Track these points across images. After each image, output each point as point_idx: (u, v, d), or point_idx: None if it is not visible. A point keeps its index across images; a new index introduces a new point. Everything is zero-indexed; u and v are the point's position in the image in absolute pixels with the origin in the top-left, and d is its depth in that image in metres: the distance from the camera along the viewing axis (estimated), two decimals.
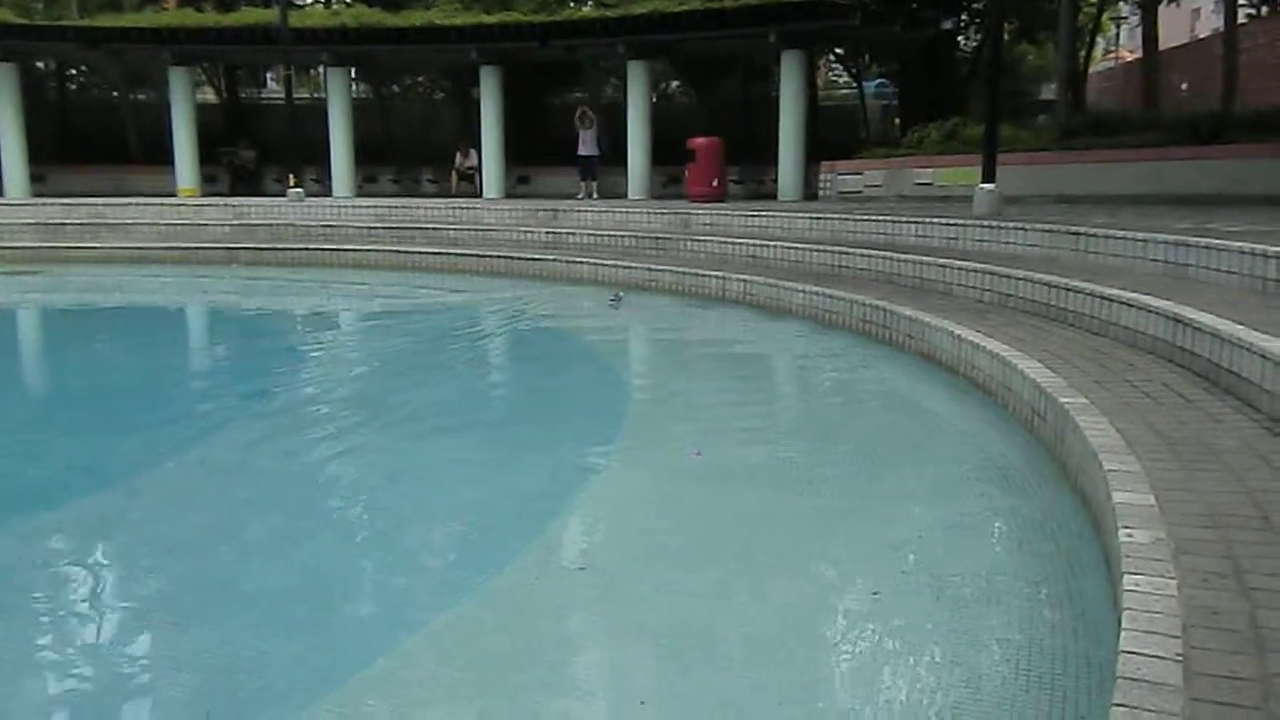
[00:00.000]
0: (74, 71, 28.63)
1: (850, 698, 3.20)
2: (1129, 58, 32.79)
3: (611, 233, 15.28)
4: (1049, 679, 3.13)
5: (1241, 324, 5.32)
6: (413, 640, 3.63)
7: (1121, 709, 2.19)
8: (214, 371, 9.69)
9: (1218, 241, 7.43)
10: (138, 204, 18.88)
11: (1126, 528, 3.28)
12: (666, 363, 9.50)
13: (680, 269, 12.49)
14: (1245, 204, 12.33)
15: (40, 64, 26.37)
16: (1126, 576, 2.92)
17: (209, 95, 28.31)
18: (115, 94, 27.44)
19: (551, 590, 4.04)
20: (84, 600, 4.10)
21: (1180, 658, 2.41)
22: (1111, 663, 2.50)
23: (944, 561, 4.13)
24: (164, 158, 21.85)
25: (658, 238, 14.45)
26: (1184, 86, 24.09)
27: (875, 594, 3.91)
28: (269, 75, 29.93)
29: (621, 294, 12.07)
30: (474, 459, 6.10)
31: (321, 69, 22.85)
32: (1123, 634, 2.56)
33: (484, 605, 3.92)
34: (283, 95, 20.86)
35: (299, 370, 9.23)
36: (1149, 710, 2.18)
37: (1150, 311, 6.34)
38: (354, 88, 24.45)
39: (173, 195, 20.70)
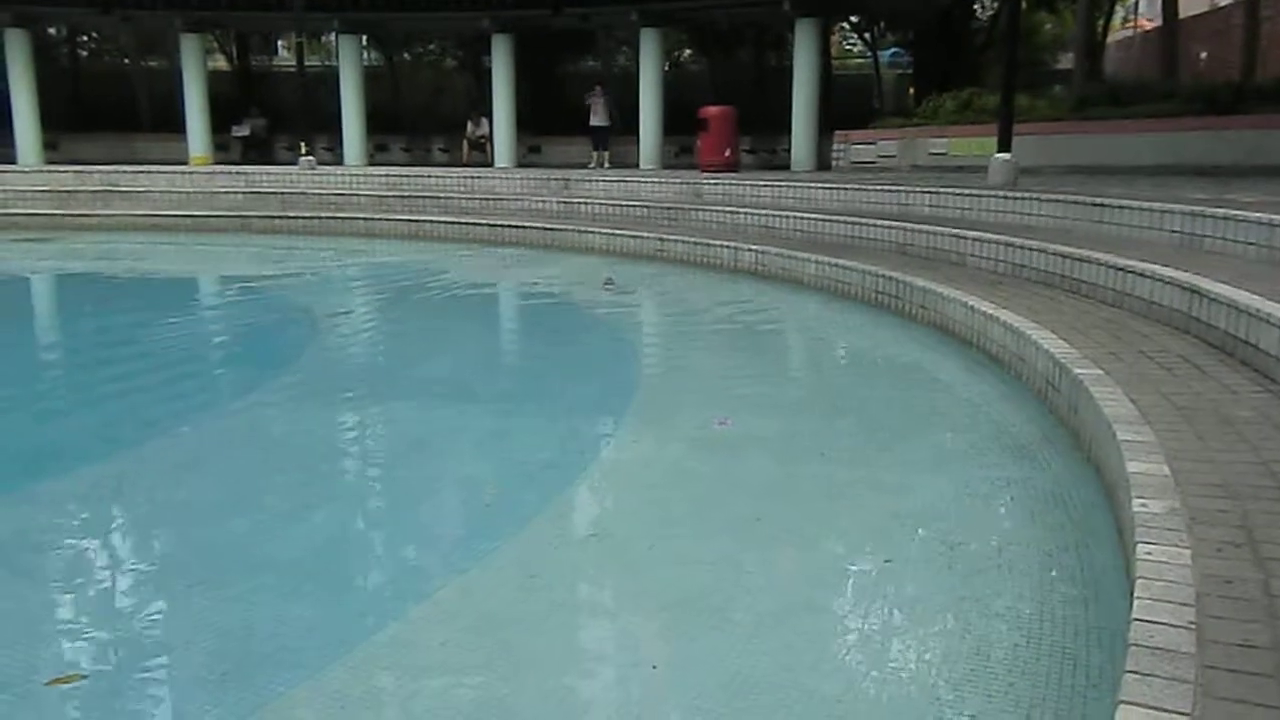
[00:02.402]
0: (85, 38, 28.61)
1: (860, 665, 3.20)
2: (1148, 27, 32.37)
3: (623, 202, 15.22)
4: (1060, 647, 3.13)
5: (1258, 295, 5.28)
6: (424, 607, 3.65)
7: (1134, 675, 2.19)
8: (230, 340, 9.72)
9: (1235, 212, 7.36)
10: (150, 172, 18.90)
11: (1140, 498, 3.27)
12: (677, 333, 9.48)
13: (692, 239, 12.44)
14: (1263, 175, 12.21)
15: (52, 30, 26.33)
16: (1140, 546, 2.91)
17: (220, 62, 28.25)
18: (127, 61, 27.41)
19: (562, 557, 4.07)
20: (100, 563, 4.16)
21: (1193, 625, 2.41)
22: (1123, 632, 2.50)
23: (956, 531, 4.13)
24: (176, 125, 21.84)
25: (670, 208, 14.40)
26: (1203, 56, 23.78)
27: (887, 562, 3.91)
28: (280, 42, 29.82)
29: (614, 278, 11.39)
30: (485, 427, 6.13)
31: (333, 36, 22.77)
32: (1136, 602, 2.56)
33: (494, 572, 3.94)
34: (294, 63, 20.78)
35: (309, 339, 9.25)
36: (1161, 676, 2.18)
37: (1166, 282, 6.29)
38: (366, 55, 24.36)
39: (184, 163, 20.70)
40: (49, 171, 19.40)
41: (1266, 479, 3.47)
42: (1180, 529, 3.01)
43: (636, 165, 19.55)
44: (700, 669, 3.13)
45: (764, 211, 12.96)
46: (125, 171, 18.88)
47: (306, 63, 23.30)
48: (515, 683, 3.07)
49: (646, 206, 14.76)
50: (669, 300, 11.04)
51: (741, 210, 13.31)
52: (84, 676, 3.14)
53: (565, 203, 15.89)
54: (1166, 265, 6.57)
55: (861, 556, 4.10)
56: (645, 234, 13.21)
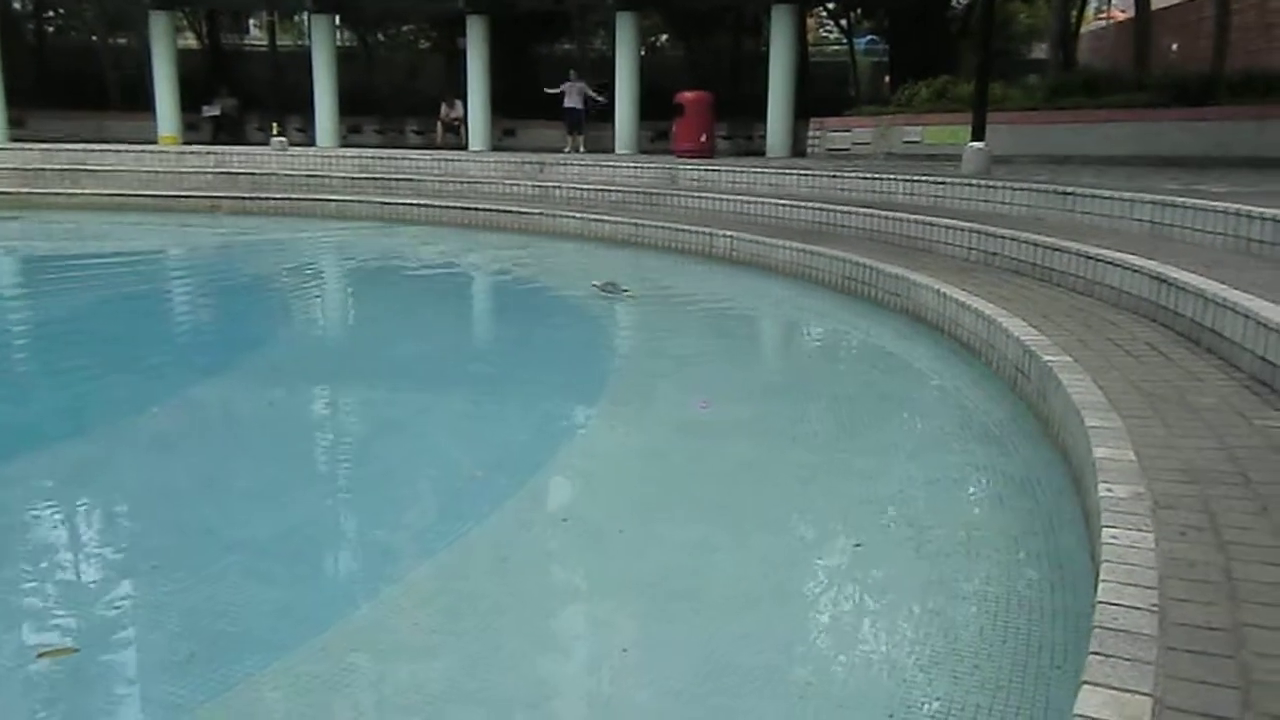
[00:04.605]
0: (51, 13, 28.10)
1: (830, 647, 3.23)
2: (1121, 18, 32.59)
3: (598, 187, 15.18)
4: (1026, 630, 3.17)
5: (1224, 284, 5.34)
6: (396, 589, 3.64)
7: (1097, 657, 2.22)
8: (198, 322, 9.62)
9: (1203, 202, 7.44)
10: (118, 150, 18.62)
11: (1106, 483, 3.31)
12: (649, 318, 9.47)
13: (666, 224, 12.42)
14: (1232, 166, 12.35)
15: (16, 4, 25.85)
16: (1105, 530, 2.94)
17: (190, 41, 27.86)
18: (94, 37, 26.96)
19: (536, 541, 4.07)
20: (66, 544, 4.11)
21: (1156, 608, 2.44)
22: (1088, 615, 2.53)
23: (925, 516, 4.17)
24: (145, 104, 21.53)
25: (645, 193, 14.36)
26: (1174, 48, 23.98)
27: (857, 546, 3.94)
28: (251, 21, 29.44)
29: (600, 283, 9.67)
30: (460, 411, 6.11)
31: (305, 15, 22.48)
32: (1100, 585, 2.59)
33: (467, 555, 3.93)
34: (265, 42, 20.52)
35: (282, 323, 9.18)
36: (1124, 658, 2.21)
37: (1135, 271, 6.35)
38: (338, 35, 24.10)
39: (154, 142, 20.42)
40: (15, 149, 19.06)
41: (1229, 464, 3.52)
42: (1144, 513, 3.05)
43: (612, 150, 19.48)
44: (672, 652, 3.14)
45: (738, 197, 12.96)
46: (93, 150, 18.59)
47: (278, 42, 23.04)
48: (487, 665, 3.07)
49: (621, 191, 14.72)
50: (641, 285, 11.01)
51: (716, 196, 13.31)
52: (75, 650, 3.15)
53: (539, 187, 15.82)
54: (1136, 254, 6.63)
55: (832, 541, 4.12)
56: (620, 219, 13.18)
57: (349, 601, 3.52)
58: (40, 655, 3.10)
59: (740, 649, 3.12)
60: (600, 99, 20.24)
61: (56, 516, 4.41)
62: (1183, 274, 5.77)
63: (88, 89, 24.26)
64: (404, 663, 3.08)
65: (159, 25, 20.98)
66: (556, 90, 20.08)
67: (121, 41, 26.48)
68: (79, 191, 17.00)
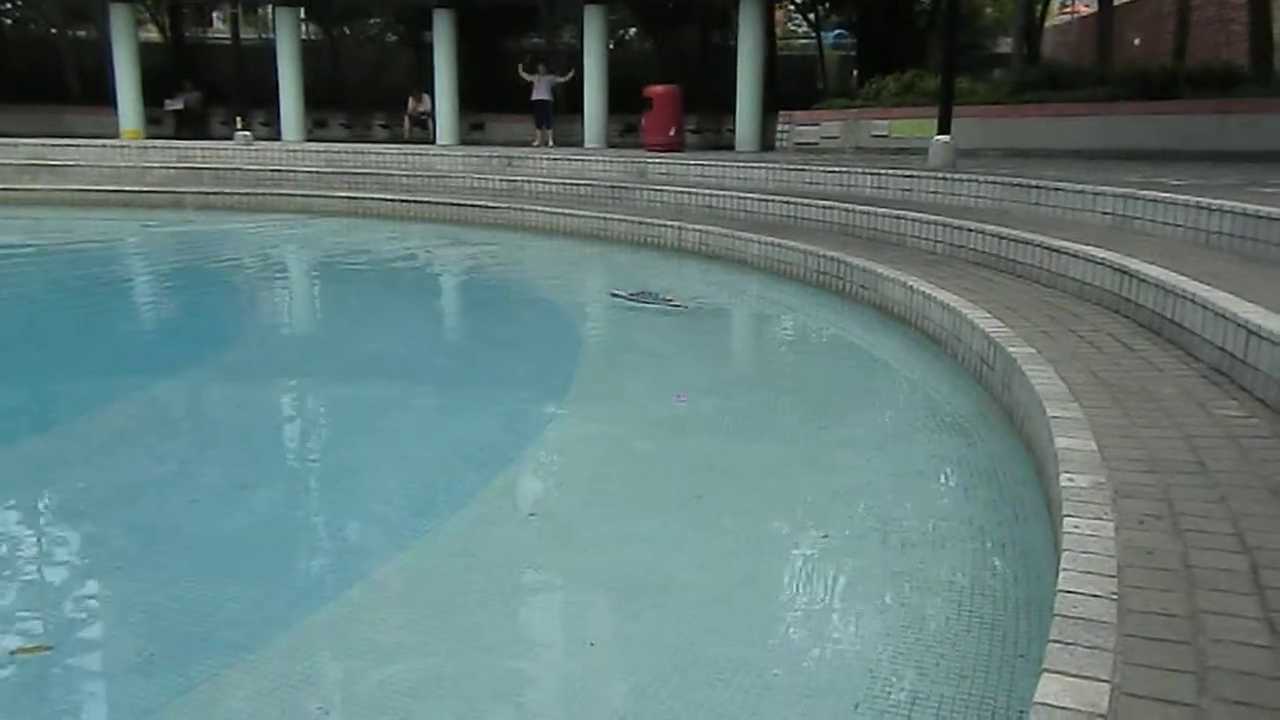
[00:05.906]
0: (9, 5, 27.62)
1: (798, 639, 3.25)
2: (1085, 12, 32.92)
3: (566, 181, 15.13)
4: (990, 619, 3.20)
5: (1184, 275, 5.41)
6: (362, 586, 3.61)
7: (1057, 645, 2.25)
8: (159, 318, 9.50)
9: (1164, 195, 7.54)
10: (79, 145, 18.33)
11: (1068, 472, 3.34)
12: (619, 312, 9.46)
13: (636, 218, 12.41)
14: (1192, 159, 12.52)
15: None
16: (1066, 519, 2.98)
17: (153, 34, 27.50)
18: (53, 30, 26.53)
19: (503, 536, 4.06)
20: (25, 544, 4.04)
21: (1115, 596, 2.47)
22: (1050, 603, 2.56)
23: (891, 507, 4.20)
24: (106, 98, 21.22)
25: (614, 187, 14.34)
26: (1137, 42, 24.27)
27: (824, 537, 3.96)
28: (215, 14, 29.08)
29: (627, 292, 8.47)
30: (425, 406, 6.08)
31: (269, 8, 22.24)
32: (1061, 574, 2.61)
33: (434, 551, 3.91)
34: (229, 35, 20.28)
35: (245, 320, 9.09)
36: (1083, 646, 2.24)
37: (1097, 263, 6.43)
38: (304, 29, 23.87)
39: (116, 137, 20.14)
40: None
41: (1188, 453, 3.57)
42: (1105, 503, 3.08)
43: (581, 144, 19.44)
44: (640, 646, 3.14)
45: (708, 191, 12.97)
46: (53, 144, 18.30)
47: (242, 35, 22.78)
48: (455, 662, 3.06)
49: (590, 185, 14.70)
50: (611, 280, 11.00)
51: (686, 190, 13.31)
52: (49, 648, 3.12)
53: (507, 181, 15.75)
54: (1098, 246, 6.71)
55: (800, 533, 4.14)
56: (588, 213, 13.16)
57: (316, 600, 3.49)
58: (14, 653, 3.05)
59: (707, 642, 3.12)
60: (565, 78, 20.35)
61: (14, 515, 4.35)
62: (1144, 266, 5.84)
63: (47, 83, 23.89)
64: (371, 661, 3.06)
65: (120, 18, 20.69)
66: (530, 77, 19.96)
67: (82, 34, 26.08)
68: (38, 187, 16.73)
